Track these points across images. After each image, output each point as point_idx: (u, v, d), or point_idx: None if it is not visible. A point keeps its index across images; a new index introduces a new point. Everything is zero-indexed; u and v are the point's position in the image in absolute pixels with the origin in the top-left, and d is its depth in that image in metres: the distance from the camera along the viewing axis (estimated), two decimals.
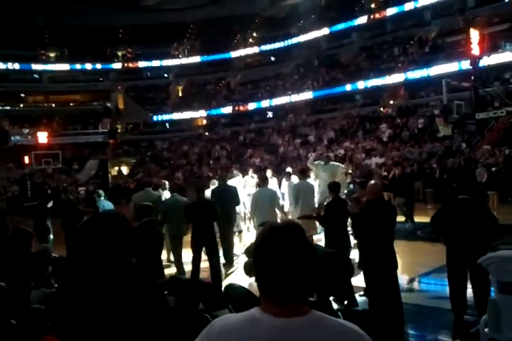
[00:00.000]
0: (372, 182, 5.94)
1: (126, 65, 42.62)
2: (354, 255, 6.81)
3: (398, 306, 5.13)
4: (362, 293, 5.94)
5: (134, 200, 8.66)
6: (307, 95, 33.05)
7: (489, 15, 25.58)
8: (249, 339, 1.34)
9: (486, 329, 3.40)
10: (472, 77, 21.96)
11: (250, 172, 12.97)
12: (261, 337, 1.33)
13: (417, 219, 12.40)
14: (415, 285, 7.30)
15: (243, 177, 12.49)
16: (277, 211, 8.67)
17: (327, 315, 1.41)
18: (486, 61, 22.93)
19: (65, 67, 41.12)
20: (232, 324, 1.39)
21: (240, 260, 8.73)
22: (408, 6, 30.37)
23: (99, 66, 41.64)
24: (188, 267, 7.60)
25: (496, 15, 25.43)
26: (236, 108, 37.13)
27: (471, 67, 22.19)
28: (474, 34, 22.56)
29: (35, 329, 2.89)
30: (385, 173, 16.50)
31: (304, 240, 1.39)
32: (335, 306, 3.76)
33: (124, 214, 2.73)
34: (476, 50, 22.22)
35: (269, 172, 12.30)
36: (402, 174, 13.64)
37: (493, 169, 15.03)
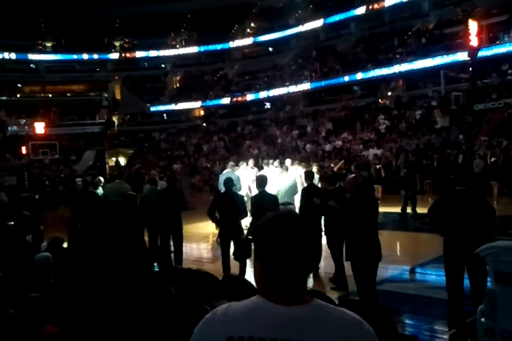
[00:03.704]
0: (352, 175, 6.11)
1: (123, 55, 42.39)
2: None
3: (374, 297, 5.20)
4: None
5: (105, 191, 8.91)
6: (305, 86, 32.94)
7: (488, 6, 25.47)
8: (252, 327, 1.34)
9: (483, 319, 3.43)
10: (470, 69, 21.96)
11: (251, 163, 12.78)
12: (265, 324, 1.34)
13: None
14: (412, 275, 7.34)
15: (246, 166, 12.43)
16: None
17: (328, 304, 1.42)
18: (484, 52, 22.91)
19: (61, 57, 40.86)
20: (235, 311, 1.39)
21: None
22: None
23: (96, 56, 41.40)
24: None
25: (494, 6, 25.31)
26: (234, 99, 37.03)
27: (469, 58, 22.18)
28: (473, 25, 22.53)
29: (34, 318, 2.90)
30: (379, 166, 16.54)
31: (306, 228, 1.41)
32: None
33: None
34: (474, 41, 22.19)
35: (288, 162, 12.33)
36: (405, 166, 13.64)
37: (493, 159, 15.08)
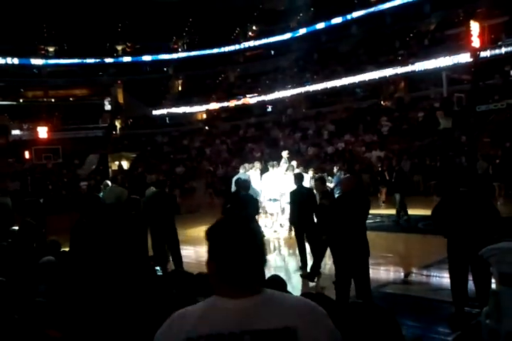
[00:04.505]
0: (347, 175, 7.06)
1: (125, 59, 42.51)
2: None
3: (368, 294, 5.36)
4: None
5: (103, 195, 9.04)
6: (307, 88, 32.95)
7: (489, 7, 25.46)
8: (209, 325, 1.39)
9: (487, 321, 3.41)
10: (472, 70, 21.94)
11: (258, 165, 12.87)
12: (220, 320, 1.39)
13: (418, 211, 12.43)
14: (416, 277, 7.32)
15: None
16: None
17: (279, 292, 1.51)
18: (486, 53, 22.90)
19: (64, 61, 41.00)
20: (192, 313, 1.46)
21: None
22: None
23: (98, 60, 41.53)
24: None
25: (496, 7, 25.30)
26: (235, 102, 37.06)
27: (471, 59, 22.15)
28: (474, 26, 22.49)
29: (37, 323, 2.90)
30: (379, 168, 16.50)
31: (252, 228, 1.51)
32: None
33: None
34: (476, 42, 22.16)
35: (294, 163, 12.51)
36: (397, 168, 13.43)
37: (497, 161, 15.03)
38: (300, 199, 7.91)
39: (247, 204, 7.42)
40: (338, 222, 5.52)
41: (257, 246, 1.48)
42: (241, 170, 11.87)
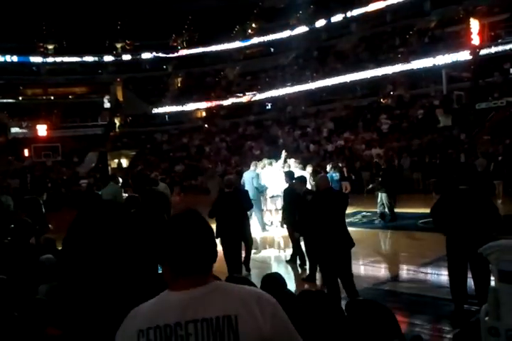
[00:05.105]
0: (321, 174, 7.28)
1: (124, 57, 42.45)
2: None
3: (351, 285, 5.65)
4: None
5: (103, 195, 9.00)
6: (306, 86, 32.92)
7: (489, 4, 25.43)
8: (158, 317, 1.45)
9: (487, 318, 3.42)
10: (472, 67, 21.93)
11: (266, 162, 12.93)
12: (167, 311, 1.46)
13: (417, 209, 12.44)
14: (416, 275, 7.33)
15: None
16: None
17: (228, 283, 1.58)
18: (486, 51, 22.88)
19: (63, 59, 40.96)
20: (144, 308, 1.52)
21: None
22: None
23: (97, 58, 41.47)
24: None
25: (496, 5, 25.27)
26: (235, 100, 37.03)
27: (471, 57, 22.14)
28: (474, 24, 22.49)
29: (37, 321, 2.90)
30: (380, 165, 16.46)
31: (202, 222, 1.58)
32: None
33: None
34: (476, 40, 22.15)
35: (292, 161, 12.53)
36: (387, 166, 13.27)
37: (500, 158, 14.98)
38: (291, 198, 7.95)
39: (235, 200, 7.39)
40: (318, 219, 5.77)
41: (199, 239, 1.53)
42: (251, 168, 11.93)
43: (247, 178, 11.48)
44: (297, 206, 7.44)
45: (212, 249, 1.57)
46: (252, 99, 36.26)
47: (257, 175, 11.54)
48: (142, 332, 1.44)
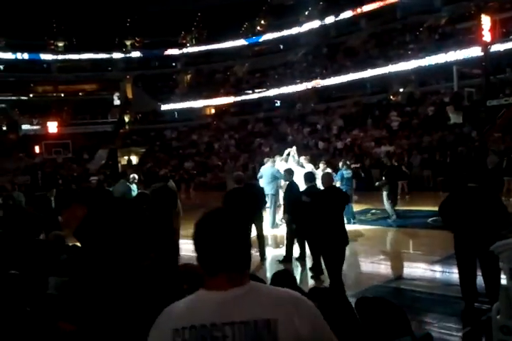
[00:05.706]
0: (326, 171, 7.90)
1: (134, 54, 42.57)
2: None
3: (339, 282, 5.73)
4: None
5: (114, 192, 9.03)
6: (316, 83, 32.80)
7: (501, 0, 25.17)
8: (194, 316, 1.44)
9: (498, 317, 3.40)
10: (483, 64, 21.72)
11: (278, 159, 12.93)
12: (203, 311, 1.44)
13: (427, 207, 12.38)
14: (425, 272, 7.30)
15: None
16: None
17: (265, 285, 1.56)
18: (497, 47, 22.65)
19: (73, 56, 41.19)
20: (178, 307, 1.51)
21: None
22: None
23: (107, 55, 41.63)
24: None
25: (507, 1, 25.01)
26: (244, 96, 37.00)
27: (482, 53, 21.94)
28: (486, 20, 22.23)
29: (49, 315, 2.92)
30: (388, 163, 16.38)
31: (237, 221, 1.54)
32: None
33: None
34: (487, 36, 21.92)
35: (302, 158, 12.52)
36: (391, 165, 13.15)
37: None
38: (289, 195, 8.01)
39: (245, 196, 7.41)
40: (321, 215, 5.91)
41: (235, 239, 1.50)
42: (269, 164, 11.80)
43: (267, 174, 11.30)
44: (295, 203, 7.52)
45: (243, 248, 1.53)
46: (262, 95, 36.19)
47: (277, 170, 11.30)
48: (178, 332, 1.43)
